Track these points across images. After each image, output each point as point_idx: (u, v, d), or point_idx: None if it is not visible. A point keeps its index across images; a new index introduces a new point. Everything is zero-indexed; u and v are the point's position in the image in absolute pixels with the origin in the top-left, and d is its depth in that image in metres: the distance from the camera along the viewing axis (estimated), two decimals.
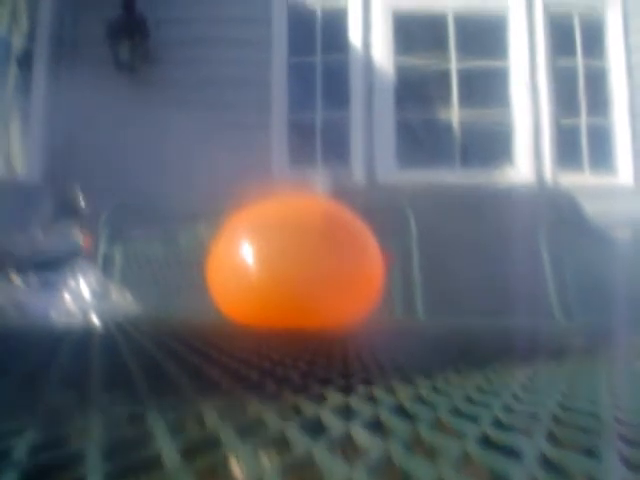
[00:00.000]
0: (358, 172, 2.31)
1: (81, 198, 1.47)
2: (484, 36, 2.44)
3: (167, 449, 0.21)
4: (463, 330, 1.06)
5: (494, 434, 0.24)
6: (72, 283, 1.01)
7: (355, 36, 2.40)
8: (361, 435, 0.24)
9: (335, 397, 0.31)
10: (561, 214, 2.19)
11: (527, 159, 2.33)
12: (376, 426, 0.25)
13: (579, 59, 2.42)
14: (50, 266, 1.05)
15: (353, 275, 1.00)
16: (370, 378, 0.38)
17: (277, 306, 0.94)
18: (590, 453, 0.21)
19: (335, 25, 2.42)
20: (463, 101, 2.41)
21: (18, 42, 2.09)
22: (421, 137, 2.45)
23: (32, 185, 2.07)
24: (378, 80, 2.38)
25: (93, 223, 1.74)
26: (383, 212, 1.66)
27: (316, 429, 0.24)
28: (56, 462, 0.20)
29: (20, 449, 0.20)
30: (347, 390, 0.33)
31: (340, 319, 0.96)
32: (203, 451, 0.21)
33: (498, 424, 0.26)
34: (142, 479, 0.19)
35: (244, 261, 0.98)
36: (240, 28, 2.34)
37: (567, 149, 2.35)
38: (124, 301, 1.06)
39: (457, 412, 0.28)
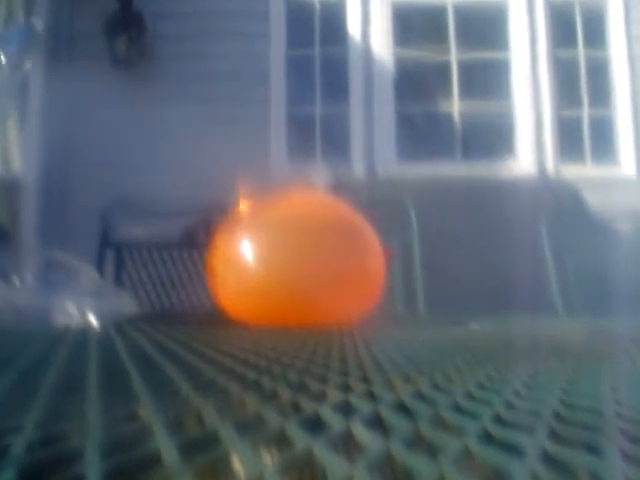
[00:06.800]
0: (358, 166, 2.30)
1: None
2: (484, 27, 2.41)
3: (166, 446, 0.21)
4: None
5: (495, 431, 0.23)
6: (69, 283, 1.01)
7: (354, 28, 2.38)
8: (361, 432, 0.23)
9: (335, 394, 0.31)
10: (563, 206, 2.18)
11: (529, 151, 2.32)
12: (376, 423, 0.25)
13: (580, 50, 2.39)
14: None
15: (354, 272, 1.00)
16: (369, 375, 0.37)
17: (278, 303, 0.94)
18: (592, 450, 0.21)
19: (334, 17, 2.40)
20: (464, 93, 2.39)
21: None
22: (421, 130, 2.43)
23: None
24: (377, 72, 2.36)
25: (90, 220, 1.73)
26: (384, 206, 1.66)
27: (316, 426, 0.24)
28: (54, 459, 0.19)
29: (18, 446, 0.20)
30: (346, 387, 0.32)
31: (341, 316, 0.96)
32: (202, 448, 0.21)
33: (499, 421, 0.25)
34: (141, 477, 0.19)
35: (245, 258, 0.98)
36: (238, 21, 2.32)
37: (569, 140, 2.34)
38: (121, 300, 1.06)
39: (458, 409, 0.28)
